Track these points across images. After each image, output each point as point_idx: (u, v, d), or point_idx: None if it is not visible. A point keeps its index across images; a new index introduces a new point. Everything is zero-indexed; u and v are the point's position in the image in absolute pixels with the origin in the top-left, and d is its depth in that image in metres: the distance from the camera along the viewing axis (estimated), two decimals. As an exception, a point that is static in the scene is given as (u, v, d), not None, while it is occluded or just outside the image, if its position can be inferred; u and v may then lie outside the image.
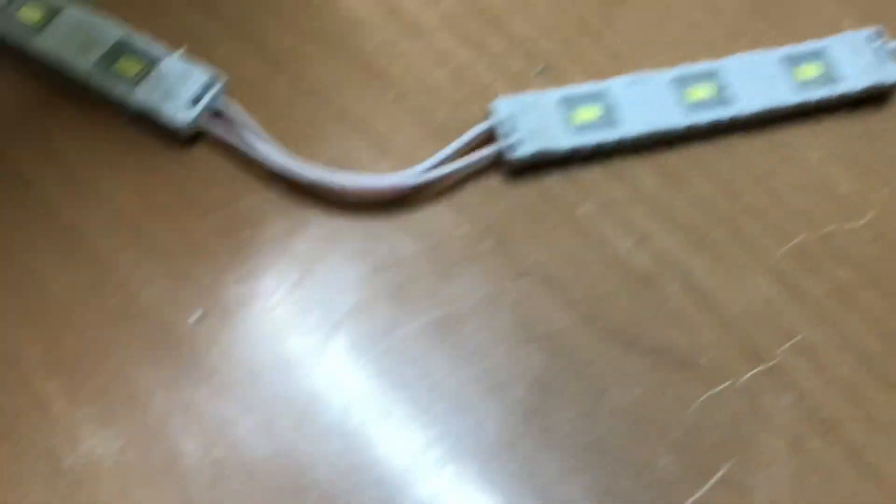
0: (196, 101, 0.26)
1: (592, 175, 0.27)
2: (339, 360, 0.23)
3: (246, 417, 0.22)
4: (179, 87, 0.26)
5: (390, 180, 0.25)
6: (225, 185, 0.25)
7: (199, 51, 0.27)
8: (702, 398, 0.23)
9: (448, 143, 0.26)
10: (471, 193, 0.26)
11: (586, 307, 0.24)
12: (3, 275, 0.23)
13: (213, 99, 0.26)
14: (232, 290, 0.24)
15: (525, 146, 0.26)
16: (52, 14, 0.27)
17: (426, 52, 0.28)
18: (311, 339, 0.23)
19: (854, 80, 0.28)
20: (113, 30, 0.27)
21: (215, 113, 0.26)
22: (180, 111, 0.26)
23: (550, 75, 0.27)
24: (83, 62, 0.26)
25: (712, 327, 0.24)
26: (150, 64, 0.27)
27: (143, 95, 0.26)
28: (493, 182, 0.27)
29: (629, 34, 0.29)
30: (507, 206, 0.26)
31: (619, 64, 0.28)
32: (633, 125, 0.27)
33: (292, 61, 0.28)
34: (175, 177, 0.25)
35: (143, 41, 0.27)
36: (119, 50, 0.27)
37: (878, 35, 0.29)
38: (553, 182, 0.26)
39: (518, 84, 0.28)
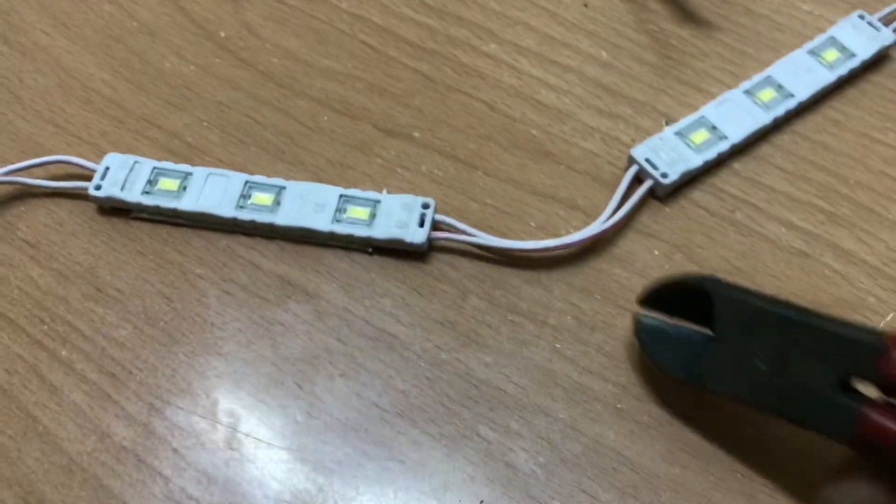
0: (421, 222, 0.33)
1: (723, 181, 0.35)
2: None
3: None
4: (405, 216, 0.33)
5: (585, 234, 0.32)
6: (473, 275, 0.33)
7: (410, 168, 0.35)
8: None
9: (613, 190, 0.34)
10: (645, 222, 0.34)
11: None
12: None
13: (432, 217, 0.33)
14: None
15: (671, 173, 0.34)
16: (280, 193, 0.34)
17: (576, 129, 0.37)
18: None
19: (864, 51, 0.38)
20: (331, 189, 0.34)
21: (435, 226, 0.33)
22: (416, 234, 0.33)
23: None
24: (322, 222, 0.33)
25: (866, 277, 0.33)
26: (374, 206, 0.33)
27: (383, 231, 0.33)
28: (656, 207, 0.34)
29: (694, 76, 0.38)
30: (679, 223, 0.34)
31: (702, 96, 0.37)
32: (736, 132, 0.35)
33: (480, 159, 0.36)
34: (430, 284, 0.33)
35: (358, 192, 0.33)
36: (344, 204, 0.33)
37: (862, 16, 0.39)
38: (698, 194, 0.35)
39: (647, 134, 0.36)
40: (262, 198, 0.34)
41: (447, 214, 0.34)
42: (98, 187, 0.34)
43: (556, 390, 0.30)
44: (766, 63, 0.38)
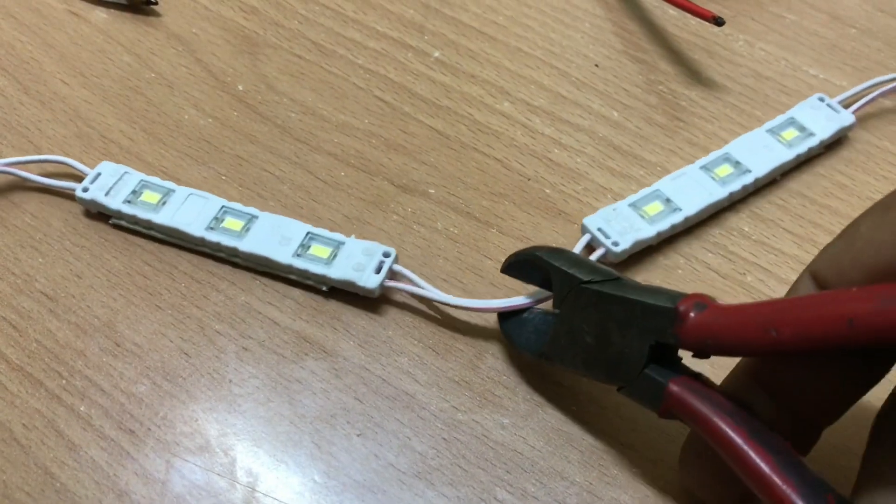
0: (378, 270, 0.33)
1: (733, 243, 0.35)
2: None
3: None
4: (364, 261, 0.33)
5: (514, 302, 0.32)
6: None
7: (425, 225, 0.36)
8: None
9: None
10: (657, 284, 0.34)
11: None
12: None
13: (391, 266, 0.33)
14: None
15: (622, 242, 0.34)
16: (251, 221, 0.35)
17: (588, 189, 0.38)
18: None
19: (822, 131, 0.38)
20: (299, 224, 0.34)
21: (392, 275, 0.34)
22: (369, 280, 0.33)
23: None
24: (283, 254, 0.34)
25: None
26: (337, 246, 0.34)
27: (339, 272, 0.33)
28: (668, 269, 0.35)
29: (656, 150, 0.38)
30: (691, 286, 0.34)
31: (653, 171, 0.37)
32: (690, 205, 0.36)
33: (495, 217, 0.36)
34: (446, 343, 0.33)
35: (326, 232, 0.34)
36: (309, 241, 0.34)
37: (822, 99, 0.39)
38: (710, 257, 0.35)
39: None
40: (234, 223, 0.35)
41: (460, 270, 0.34)
42: (85, 189, 0.35)
43: (572, 453, 0.31)
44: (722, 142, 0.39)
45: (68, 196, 0.36)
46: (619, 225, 0.35)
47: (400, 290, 0.34)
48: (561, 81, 0.41)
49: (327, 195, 0.37)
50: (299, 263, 0.34)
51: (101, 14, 0.43)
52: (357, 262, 0.34)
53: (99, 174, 0.36)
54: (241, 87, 0.40)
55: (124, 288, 0.34)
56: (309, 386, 0.32)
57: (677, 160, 0.38)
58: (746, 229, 0.36)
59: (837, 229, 0.36)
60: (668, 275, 0.35)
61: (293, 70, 0.41)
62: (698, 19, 0.40)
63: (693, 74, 0.42)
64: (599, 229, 0.35)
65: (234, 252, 0.34)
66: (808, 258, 0.35)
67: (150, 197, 0.35)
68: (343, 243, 0.34)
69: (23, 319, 0.33)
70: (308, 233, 0.34)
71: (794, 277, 0.34)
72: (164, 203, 0.35)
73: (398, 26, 0.43)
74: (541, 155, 0.38)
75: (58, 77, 0.40)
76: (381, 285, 0.33)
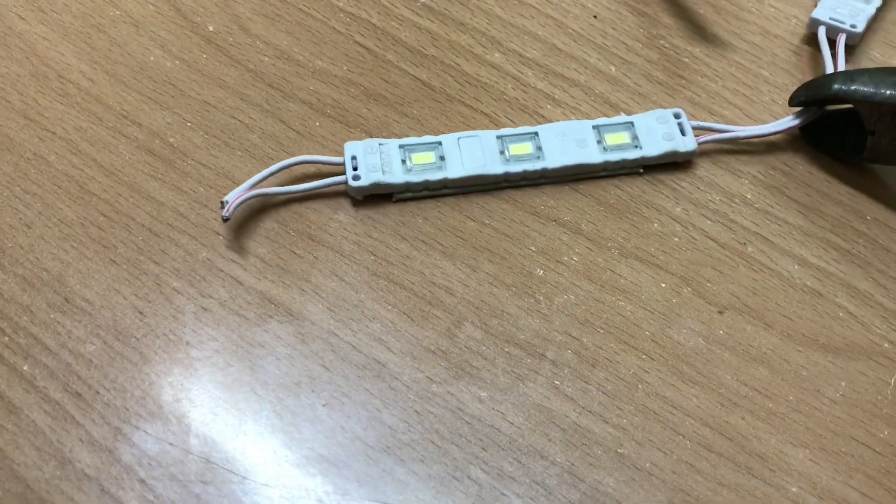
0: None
1: (735, 211, 0.32)
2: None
3: None
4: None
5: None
6: None
7: None
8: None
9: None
10: (652, 252, 0.31)
11: (781, 328, 0.31)
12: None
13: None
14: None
15: (364, 179, 0.32)
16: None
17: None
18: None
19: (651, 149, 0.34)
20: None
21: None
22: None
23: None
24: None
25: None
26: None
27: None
28: (663, 238, 0.33)
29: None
30: (689, 255, 0.31)
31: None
32: (458, 170, 0.33)
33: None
34: (422, 309, 0.31)
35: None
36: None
37: (677, 115, 0.35)
38: (709, 224, 0.32)
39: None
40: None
41: (440, 232, 0.32)
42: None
43: (553, 431, 0.28)
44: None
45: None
46: (375, 161, 0.33)
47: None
48: (556, 32, 0.38)
49: (300, 146, 0.34)
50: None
51: (64, -55, 0.40)
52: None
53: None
54: (211, 28, 0.37)
55: (77, 240, 0.31)
56: (272, 351, 0.29)
57: (677, 120, 0.36)
58: (748, 196, 0.34)
59: (847, 199, 0.34)
60: (664, 243, 0.32)
61: (268, 11, 0.38)
62: (705, -30, 0.37)
63: (697, 30, 0.39)
64: (353, 157, 0.33)
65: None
66: (814, 230, 0.33)
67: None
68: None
69: (-36, 270, 0.30)
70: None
71: (798, 250, 0.32)
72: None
73: (384, -32, 0.40)
74: (532, 110, 0.36)
75: (13, 11, 0.37)
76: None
